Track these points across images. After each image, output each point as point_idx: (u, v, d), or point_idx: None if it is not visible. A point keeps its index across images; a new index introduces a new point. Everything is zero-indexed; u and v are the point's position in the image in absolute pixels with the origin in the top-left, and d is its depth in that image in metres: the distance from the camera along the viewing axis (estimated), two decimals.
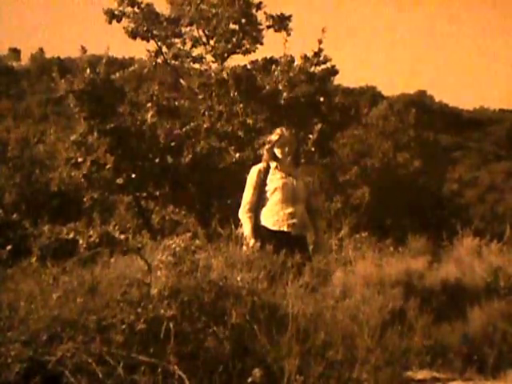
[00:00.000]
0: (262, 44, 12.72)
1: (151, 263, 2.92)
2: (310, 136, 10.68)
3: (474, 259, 6.43)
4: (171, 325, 2.61)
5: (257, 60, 12.55)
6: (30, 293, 2.68)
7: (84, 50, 11.07)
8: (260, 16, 12.62)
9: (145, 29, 12.51)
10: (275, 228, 4.37)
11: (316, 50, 11.59)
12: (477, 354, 4.56)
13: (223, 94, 11.15)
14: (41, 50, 63.14)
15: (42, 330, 2.48)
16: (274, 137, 4.59)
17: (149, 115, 10.78)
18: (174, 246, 3.06)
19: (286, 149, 4.54)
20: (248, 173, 4.66)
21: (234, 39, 12.45)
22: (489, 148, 50.75)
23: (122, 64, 17.52)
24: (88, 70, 10.49)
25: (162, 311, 2.66)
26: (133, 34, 12.58)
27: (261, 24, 12.62)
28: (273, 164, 4.57)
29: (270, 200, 4.45)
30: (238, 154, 10.47)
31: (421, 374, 4.16)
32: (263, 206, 4.46)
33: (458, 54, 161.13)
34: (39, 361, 2.41)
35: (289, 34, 12.51)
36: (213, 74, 11.36)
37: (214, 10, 12.39)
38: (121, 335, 2.53)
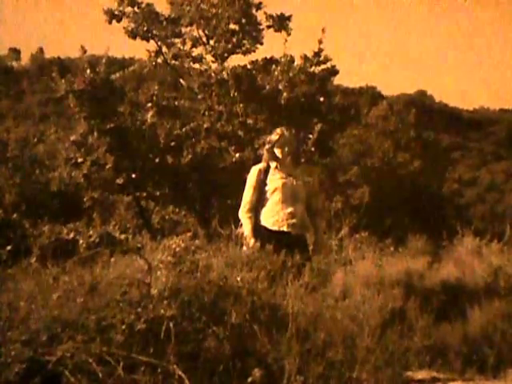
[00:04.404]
0: (261, 44, 12.73)
1: (151, 263, 2.92)
2: (310, 136, 10.69)
3: (474, 259, 6.43)
4: (171, 325, 2.61)
5: (257, 60, 12.55)
6: (30, 293, 2.68)
7: (84, 50, 11.08)
8: (260, 16, 12.64)
9: (145, 29, 12.52)
10: (275, 228, 4.37)
11: (316, 49, 11.61)
12: (477, 354, 4.56)
13: (223, 94, 11.15)
14: (41, 49, 63.26)
15: (41, 329, 2.48)
16: (273, 137, 4.59)
17: (149, 115, 10.79)
18: (173, 246, 3.06)
19: (286, 149, 4.53)
20: (248, 173, 4.66)
21: (234, 39, 12.45)
22: (489, 148, 50.78)
23: (122, 64, 17.52)
24: (88, 70, 10.50)
25: (162, 311, 2.65)
26: (133, 34, 12.58)
27: (261, 24, 12.63)
28: (273, 164, 4.57)
29: (269, 200, 4.45)
30: (237, 154, 10.47)
31: (421, 374, 4.16)
32: (263, 205, 4.46)
33: (458, 54, 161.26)
34: (39, 361, 2.41)
35: (289, 34, 12.52)
36: (213, 74, 11.37)
37: (214, 10, 12.39)
38: (121, 335, 2.53)
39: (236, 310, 2.79)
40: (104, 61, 10.92)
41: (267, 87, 11.11)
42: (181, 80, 12.98)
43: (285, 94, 11.05)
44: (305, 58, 11.57)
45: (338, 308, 3.12)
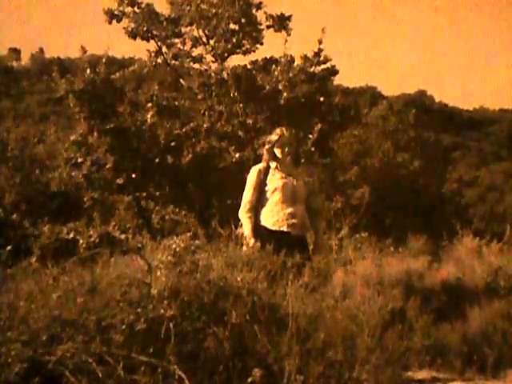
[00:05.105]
0: (262, 44, 12.74)
1: (151, 263, 2.92)
2: (310, 136, 10.68)
3: (474, 259, 6.43)
4: (171, 325, 2.61)
5: (257, 60, 12.56)
6: (29, 293, 2.68)
7: (84, 50, 11.07)
8: (260, 16, 12.65)
9: (145, 29, 12.52)
10: (275, 228, 4.37)
11: (316, 49, 11.61)
12: (477, 354, 4.56)
13: (223, 93, 11.15)
14: (41, 50, 63.36)
15: (41, 329, 2.48)
16: (273, 137, 4.59)
17: (149, 115, 10.78)
18: (174, 246, 3.06)
19: (286, 149, 4.53)
20: (248, 173, 4.66)
21: (234, 39, 12.46)
22: (489, 148, 50.81)
23: (121, 64, 17.51)
24: (88, 70, 10.50)
25: (162, 311, 2.65)
26: (133, 34, 12.58)
27: (261, 24, 12.64)
28: (273, 164, 4.57)
29: (269, 200, 4.45)
30: (237, 154, 10.47)
31: (421, 374, 4.16)
32: (263, 205, 4.45)
33: (458, 54, 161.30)
34: (39, 361, 2.40)
35: (289, 34, 12.54)
36: (213, 74, 11.37)
37: (213, 10, 12.40)
38: (121, 335, 2.53)
39: (236, 310, 2.79)
40: (104, 61, 10.91)
41: (267, 87, 11.10)
42: (181, 80, 12.98)
43: (285, 94, 11.05)
44: (305, 58, 11.57)
45: (337, 308, 3.12)
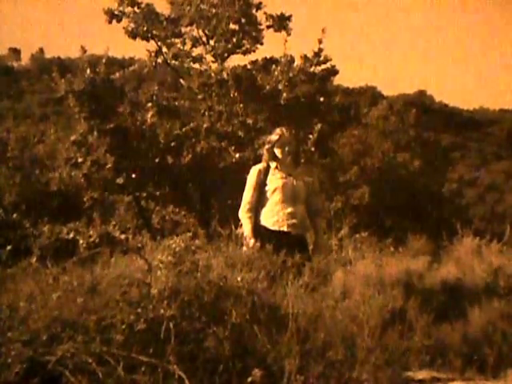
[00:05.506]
0: (262, 44, 12.74)
1: (151, 263, 2.92)
2: (310, 136, 10.68)
3: (474, 259, 6.42)
4: (171, 325, 2.61)
5: (257, 60, 12.56)
6: (30, 293, 2.68)
7: (84, 50, 11.08)
8: (260, 16, 12.65)
9: (145, 29, 12.52)
10: (275, 228, 4.37)
11: (316, 49, 11.61)
12: (477, 354, 4.56)
13: (223, 94, 11.15)
14: (41, 50, 63.40)
15: (41, 329, 2.48)
16: (273, 137, 4.59)
17: (149, 115, 10.79)
18: (174, 245, 3.06)
19: (286, 149, 4.54)
20: (248, 173, 4.66)
21: (234, 39, 12.47)
22: (489, 148, 50.83)
23: (122, 64, 17.51)
24: (88, 70, 10.50)
25: (162, 311, 2.65)
26: (133, 34, 12.58)
27: (261, 24, 12.64)
28: (273, 164, 4.57)
29: (270, 200, 4.45)
30: (238, 154, 10.47)
31: (421, 374, 4.15)
32: (263, 205, 4.46)
33: (458, 54, 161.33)
34: (39, 361, 2.40)
35: (289, 34, 12.54)
36: (213, 74, 11.37)
37: (214, 10, 12.40)
38: (121, 335, 2.53)
39: (236, 310, 2.79)
40: (104, 61, 10.91)
41: (267, 87, 11.11)
42: (181, 80, 12.97)
43: (285, 94, 11.05)
44: (305, 57, 11.57)
45: (338, 308, 3.12)
